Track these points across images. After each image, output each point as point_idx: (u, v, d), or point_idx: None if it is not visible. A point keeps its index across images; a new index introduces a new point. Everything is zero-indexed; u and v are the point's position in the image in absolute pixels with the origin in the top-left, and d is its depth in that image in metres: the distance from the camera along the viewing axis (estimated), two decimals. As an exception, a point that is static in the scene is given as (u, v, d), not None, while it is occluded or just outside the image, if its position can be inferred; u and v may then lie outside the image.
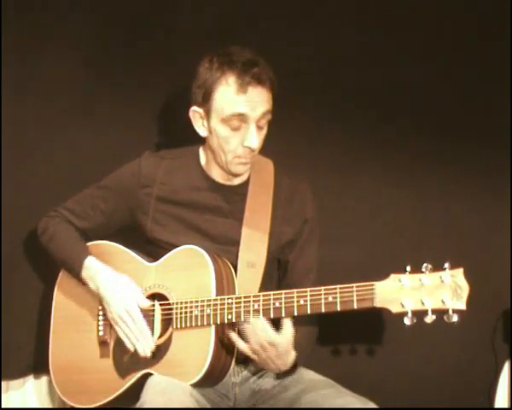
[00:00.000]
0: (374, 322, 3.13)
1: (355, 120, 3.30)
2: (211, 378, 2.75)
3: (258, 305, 2.70)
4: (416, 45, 3.27)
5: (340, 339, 3.22)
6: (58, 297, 2.97)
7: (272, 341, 2.68)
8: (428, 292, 2.57)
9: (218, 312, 2.73)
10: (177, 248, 2.83)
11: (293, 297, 2.67)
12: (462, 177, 3.30)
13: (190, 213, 2.89)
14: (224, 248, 2.85)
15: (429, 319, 2.56)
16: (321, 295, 2.65)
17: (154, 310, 2.84)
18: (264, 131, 2.83)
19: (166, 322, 2.80)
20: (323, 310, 2.64)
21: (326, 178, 3.28)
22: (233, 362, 2.78)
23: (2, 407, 3.23)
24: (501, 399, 3.30)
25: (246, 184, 2.92)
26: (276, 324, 2.71)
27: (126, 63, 3.26)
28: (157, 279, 2.84)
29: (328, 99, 3.31)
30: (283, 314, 2.68)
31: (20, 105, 3.20)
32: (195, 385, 2.72)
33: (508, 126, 3.25)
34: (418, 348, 3.24)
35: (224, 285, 2.78)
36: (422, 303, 2.57)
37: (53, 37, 3.22)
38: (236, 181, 2.91)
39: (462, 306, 2.55)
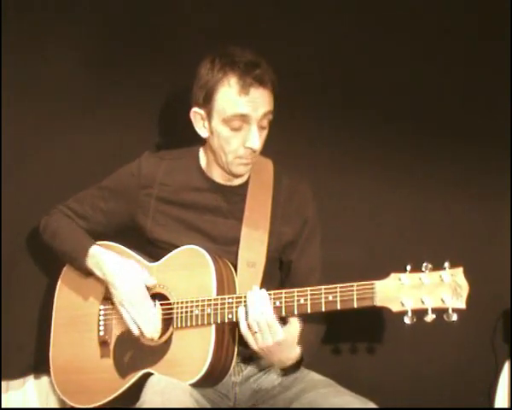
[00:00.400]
0: (374, 321, 3.13)
1: (355, 120, 3.30)
2: (211, 378, 2.75)
3: (259, 304, 2.70)
4: (416, 45, 3.27)
5: (340, 338, 3.22)
6: (59, 297, 2.97)
7: (271, 323, 2.66)
8: (428, 291, 2.57)
9: (219, 311, 2.73)
10: (178, 249, 2.83)
11: (293, 296, 2.68)
12: (463, 177, 3.30)
13: (190, 214, 2.89)
14: (225, 249, 2.86)
15: (429, 318, 2.56)
16: (321, 294, 2.65)
17: (154, 310, 2.85)
18: (266, 132, 2.83)
19: (167, 322, 2.80)
20: (324, 309, 2.64)
21: (326, 178, 3.28)
22: (233, 362, 2.78)
23: (3, 407, 3.22)
24: (501, 399, 3.30)
25: (246, 184, 2.92)
26: (285, 322, 2.70)
27: (126, 63, 3.26)
28: (158, 279, 2.83)
29: (328, 99, 3.31)
30: (284, 313, 2.68)
31: (20, 105, 3.20)
32: (195, 385, 2.72)
33: (508, 126, 3.25)
34: (418, 348, 3.24)
35: (225, 285, 2.78)
36: (422, 302, 2.57)
37: (53, 37, 3.22)
38: (236, 181, 2.91)
39: (462, 305, 2.55)
